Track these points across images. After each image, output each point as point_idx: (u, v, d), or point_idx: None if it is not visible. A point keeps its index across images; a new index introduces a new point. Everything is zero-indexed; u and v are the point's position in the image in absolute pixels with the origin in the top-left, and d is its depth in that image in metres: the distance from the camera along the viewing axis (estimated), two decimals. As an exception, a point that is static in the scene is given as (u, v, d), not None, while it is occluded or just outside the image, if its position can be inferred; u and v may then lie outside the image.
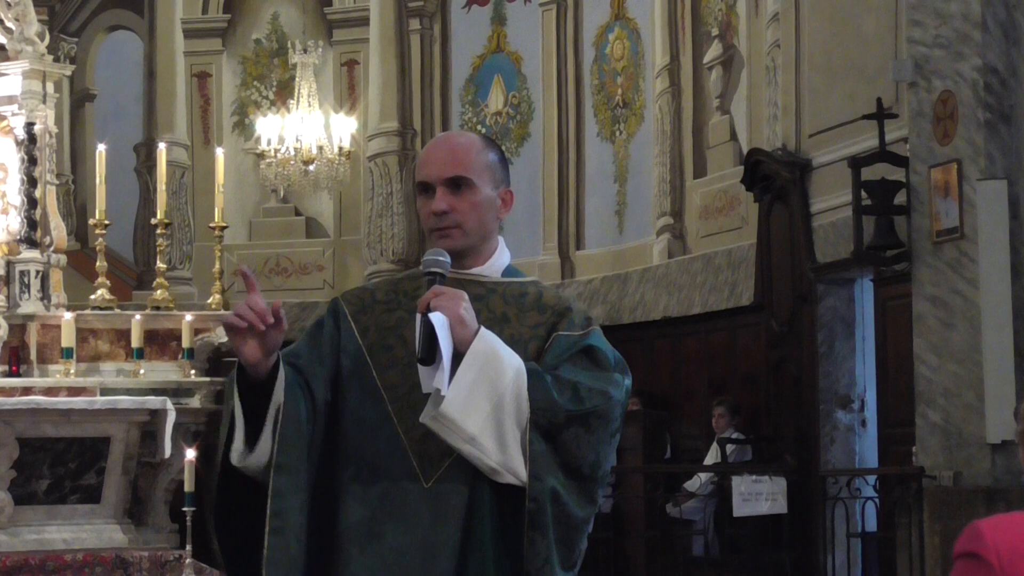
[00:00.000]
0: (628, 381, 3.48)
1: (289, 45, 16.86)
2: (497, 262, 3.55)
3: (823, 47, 12.28)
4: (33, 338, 11.38)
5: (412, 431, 3.37)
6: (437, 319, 3.28)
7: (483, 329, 3.34)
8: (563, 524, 3.37)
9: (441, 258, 3.40)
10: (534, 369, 3.37)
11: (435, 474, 3.38)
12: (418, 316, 3.31)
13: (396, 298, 3.54)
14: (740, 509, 11.74)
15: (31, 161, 11.69)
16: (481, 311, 3.42)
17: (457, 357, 3.31)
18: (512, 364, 3.34)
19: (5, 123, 11.85)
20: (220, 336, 12.06)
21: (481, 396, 3.30)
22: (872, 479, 11.24)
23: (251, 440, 3.37)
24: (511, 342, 3.40)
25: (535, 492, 3.32)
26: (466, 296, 3.34)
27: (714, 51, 14.38)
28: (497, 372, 3.32)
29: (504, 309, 3.49)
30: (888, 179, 10.86)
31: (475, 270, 3.51)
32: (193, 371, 11.53)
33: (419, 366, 3.31)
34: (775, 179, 12.59)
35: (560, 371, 3.40)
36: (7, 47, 11.90)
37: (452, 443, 3.31)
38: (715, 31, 14.38)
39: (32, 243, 11.66)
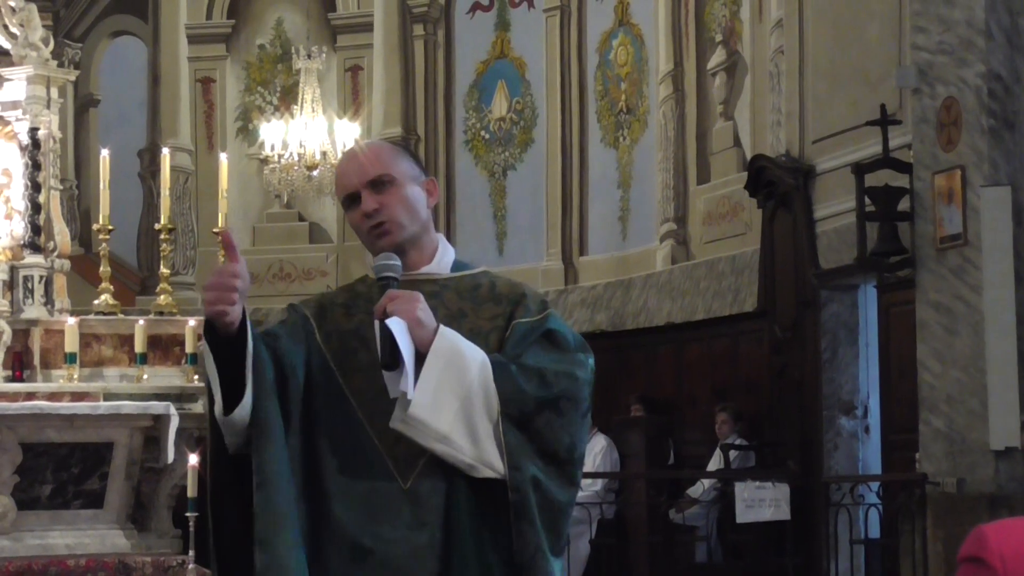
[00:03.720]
0: (591, 360, 3.50)
1: (293, 51, 16.88)
2: (444, 258, 3.57)
3: (827, 53, 12.28)
4: (36, 343, 11.37)
5: (384, 435, 3.37)
6: (395, 324, 3.28)
7: (442, 327, 3.36)
8: (547, 510, 3.37)
9: (392, 262, 3.42)
10: (498, 360, 3.38)
11: (412, 474, 3.38)
12: (376, 323, 3.31)
13: (354, 302, 3.54)
14: (743, 515, 11.73)
15: (35, 166, 11.70)
16: (438, 308, 3.43)
17: (420, 358, 3.31)
18: (476, 358, 3.35)
19: (9, 128, 11.85)
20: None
21: (448, 394, 3.32)
22: (875, 486, 11.23)
23: (231, 398, 3.36)
24: (471, 336, 3.41)
25: (516, 482, 3.33)
26: (421, 297, 3.36)
27: (718, 57, 14.38)
28: (461, 368, 3.33)
29: (460, 304, 3.51)
30: (892, 185, 10.86)
31: (424, 269, 3.53)
32: (196, 376, 11.52)
33: (384, 373, 3.31)
34: (779, 185, 12.59)
35: (524, 358, 3.42)
36: (11, 52, 11.90)
37: (425, 444, 3.32)
38: (719, 37, 14.38)
39: (36, 248, 11.66)
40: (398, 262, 3.43)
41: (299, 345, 3.48)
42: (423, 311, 3.33)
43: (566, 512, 3.43)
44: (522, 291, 3.55)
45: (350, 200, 3.51)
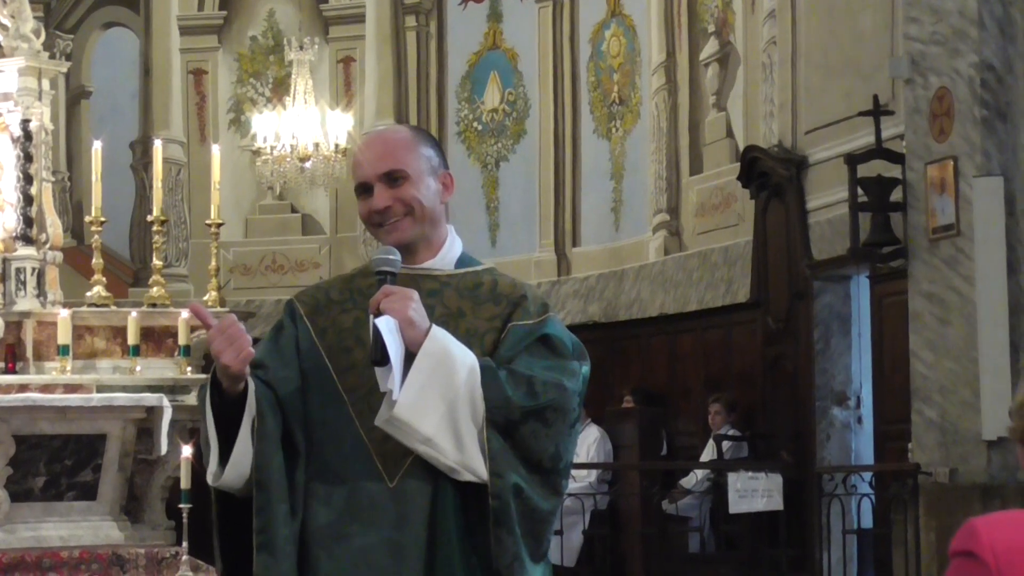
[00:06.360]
0: (586, 368, 3.46)
1: (285, 42, 16.85)
2: (449, 253, 3.53)
3: (819, 44, 12.28)
4: (29, 335, 11.36)
5: (373, 432, 3.35)
6: (384, 323, 3.25)
7: (434, 328, 3.32)
8: (529, 518, 3.35)
9: (391, 256, 3.37)
10: (487, 365, 3.35)
11: (398, 473, 3.36)
12: (370, 318, 3.29)
13: (351, 297, 3.51)
14: (736, 506, 11.74)
15: (27, 158, 11.68)
16: (435, 307, 3.40)
17: (411, 358, 3.29)
18: (465, 362, 3.31)
19: (1, 120, 11.83)
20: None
21: (434, 397, 3.28)
22: (868, 476, 11.24)
23: (224, 457, 3.37)
24: (467, 336, 3.38)
25: (497, 489, 3.30)
26: (415, 295, 3.31)
27: (710, 48, 14.38)
28: (449, 372, 3.29)
29: (459, 303, 3.47)
30: (884, 176, 10.86)
31: (427, 264, 3.49)
32: (189, 368, 11.52)
33: (375, 368, 3.30)
34: (771, 176, 12.59)
35: (516, 363, 3.38)
36: (2, 44, 11.88)
37: (409, 444, 3.30)
38: (711, 28, 14.37)
39: (28, 240, 11.65)
40: (397, 256, 3.38)
41: (289, 362, 3.47)
42: (415, 310, 3.29)
43: (548, 520, 3.40)
44: (523, 292, 3.50)
45: (362, 189, 3.47)
